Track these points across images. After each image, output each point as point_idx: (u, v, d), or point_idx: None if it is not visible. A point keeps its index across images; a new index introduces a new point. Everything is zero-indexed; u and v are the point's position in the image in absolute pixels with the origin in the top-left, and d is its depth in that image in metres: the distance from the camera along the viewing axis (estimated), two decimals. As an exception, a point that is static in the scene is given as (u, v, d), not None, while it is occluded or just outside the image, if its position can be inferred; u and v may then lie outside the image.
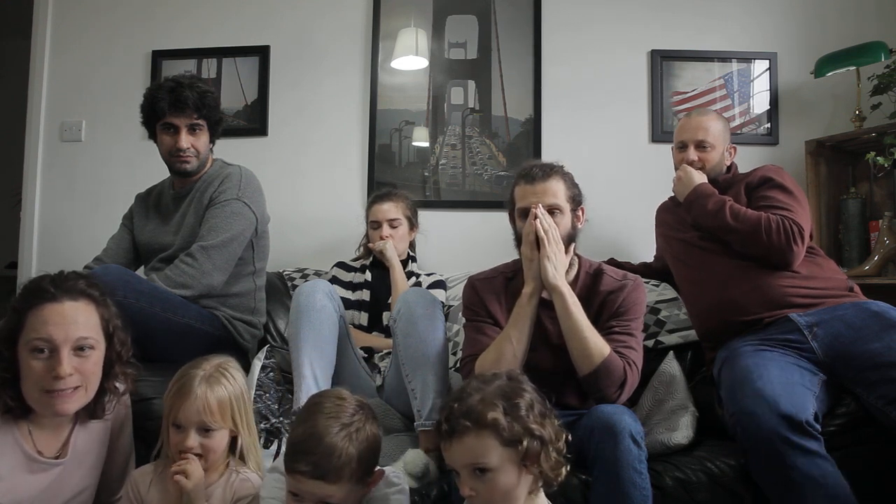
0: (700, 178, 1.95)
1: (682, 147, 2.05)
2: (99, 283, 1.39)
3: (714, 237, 1.87)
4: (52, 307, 1.25)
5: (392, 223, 2.27)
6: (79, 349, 1.26)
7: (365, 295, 2.24)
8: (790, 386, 1.48)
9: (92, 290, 1.32)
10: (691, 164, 2.00)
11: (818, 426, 1.41)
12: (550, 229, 1.59)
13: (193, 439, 1.29)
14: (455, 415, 1.09)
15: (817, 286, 1.75)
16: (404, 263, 2.28)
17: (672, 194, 2.10)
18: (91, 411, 1.36)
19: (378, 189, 2.49)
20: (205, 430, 1.30)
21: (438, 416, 1.15)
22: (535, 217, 1.59)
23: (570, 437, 1.15)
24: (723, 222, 1.81)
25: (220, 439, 1.33)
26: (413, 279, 2.25)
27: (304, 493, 1.14)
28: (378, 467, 1.24)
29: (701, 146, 2.02)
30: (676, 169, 2.05)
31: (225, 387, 1.33)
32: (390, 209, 2.28)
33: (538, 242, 1.58)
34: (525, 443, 1.07)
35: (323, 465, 1.12)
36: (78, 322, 1.27)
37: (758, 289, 1.76)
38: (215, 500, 1.31)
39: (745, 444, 1.44)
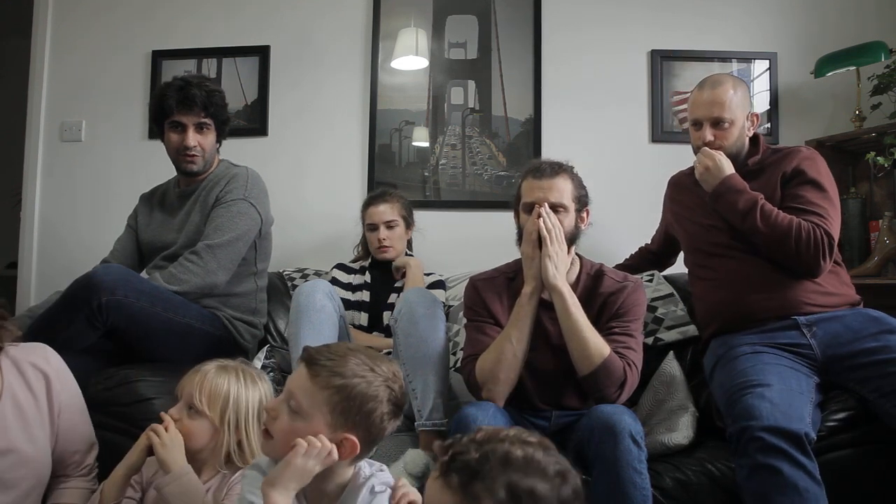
0: (729, 167, 1.77)
1: (697, 125, 1.85)
2: (100, 282, 1.38)
3: (739, 233, 1.77)
4: None
5: (389, 224, 2.26)
6: None
7: (365, 296, 2.23)
8: (788, 394, 1.46)
9: None
10: (709, 144, 1.81)
11: (814, 436, 1.39)
12: (554, 229, 1.59)
13: (178, 408, 1.30)
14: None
15: (829, 303, 1.71)
16: None
17: (687, 167, 1.97)
18: None
19: (374, 190, 2.48)
20: (189, 408, 1.30)
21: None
22: (539, 216, 1.59)
23: None
24: (752, 224, 1.70)
25: (199, 428, 1.30)
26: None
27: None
28: (352, 437, 1.05)
29: (718, 124, 1.80)
30: (695, 150, 1.86)
31: (230, 381, 1.32)
32: (386, 211, 2.27)
33: (540, 241, 1.58)
34: None
35: (325, 353, 1.07)
36: None
37: (775, 298, 1.71)
38: (210, 497, 1.30)
39: (738, 451, 1.41)
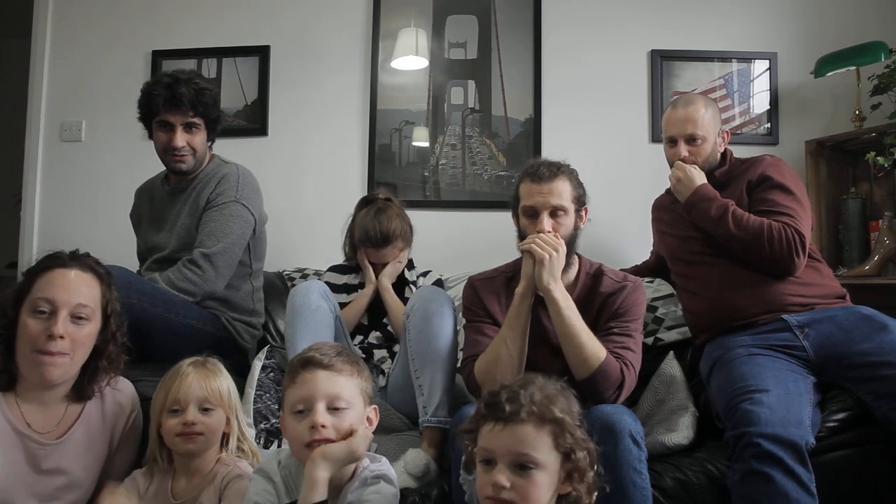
0: (700, 178, 1.88)
1: (672, 142, 1.96)
2: None
3: (714, 239, 1.84)
4: (61, 271, 1.33)
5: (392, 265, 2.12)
6: (76, 317, 1.31)
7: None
8: (786, 398, 1.47)
9: (100, 269, 1.39)
10: (683, 160, 1.91)
11: (814, 441, 1.39)
12: (553, 252, 1.54)
13: (193, 413, 1.33)
14: (519, 400, 1.05)
15: (814, 293, 1.75)
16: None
17: (668, 187, 2.05)
18: (79, 391, 1.37)
19: (371, 204, 2.17)
20: (204, 410, 1.34)
21: (488, 398, 1.08)
22: (539, 236, 1.57)
23: (601, 471, 1.11)
24: (725, 229, 1.78)
25: (219, 419, 1.37)
26: (407, 289, 2.14)
27: (310, 394, 1.18)
28: (376, 406, 1.30)
29: (691, 140, 1.92)
30: (670, 165, 1.97)
31: (216, 375, 1.39)
32: (389, 254, 2.10)
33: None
34: (578, 455, 1.05)
35: (329, 354, 1.22)
36: (80, 290, 1.33)
37: (756, 294, 1.76)
38: (207, 496, 1.32)
39: (733, 455, 1.41)
